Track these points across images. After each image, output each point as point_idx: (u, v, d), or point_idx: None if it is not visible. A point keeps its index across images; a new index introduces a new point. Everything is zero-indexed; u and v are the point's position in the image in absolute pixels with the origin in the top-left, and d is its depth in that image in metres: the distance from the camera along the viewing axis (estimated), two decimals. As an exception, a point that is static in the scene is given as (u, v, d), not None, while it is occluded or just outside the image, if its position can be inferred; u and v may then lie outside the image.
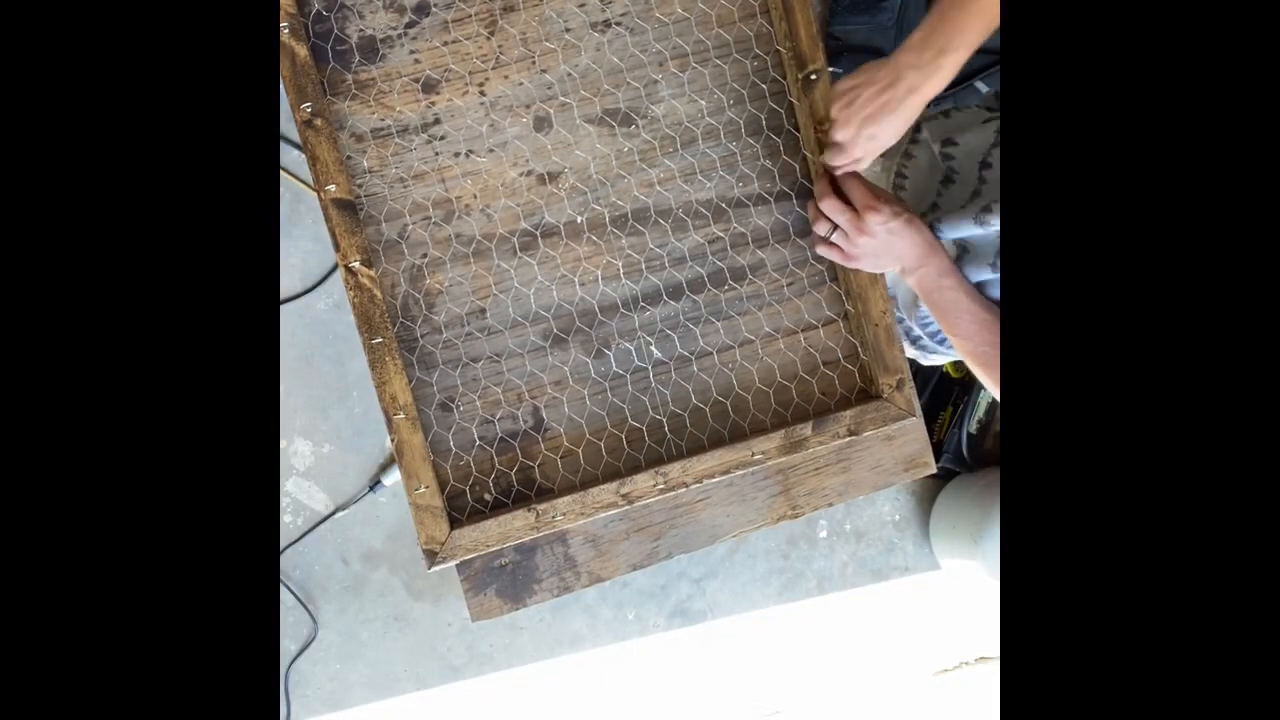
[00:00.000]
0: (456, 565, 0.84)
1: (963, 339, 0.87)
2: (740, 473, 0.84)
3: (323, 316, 1.57)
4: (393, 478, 1.58)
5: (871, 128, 0.79)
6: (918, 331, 1.06)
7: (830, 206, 0.82)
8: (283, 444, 1.57)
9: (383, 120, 0.84)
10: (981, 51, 1.52)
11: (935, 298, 0.86)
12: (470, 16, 0.84)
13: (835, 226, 0.83)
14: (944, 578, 1.73)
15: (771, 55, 0.87)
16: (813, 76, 0.84)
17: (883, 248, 0.82)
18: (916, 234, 0.82)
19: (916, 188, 1.03)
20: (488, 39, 0.85)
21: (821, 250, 0.86)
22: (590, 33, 0.86)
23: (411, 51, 0.84)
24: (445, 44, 0.84)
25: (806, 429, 0.84)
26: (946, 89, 1.48)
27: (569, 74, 0.86)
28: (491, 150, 0.85)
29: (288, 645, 1.59)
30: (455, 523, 0.82)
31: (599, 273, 0.86)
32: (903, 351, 0.86)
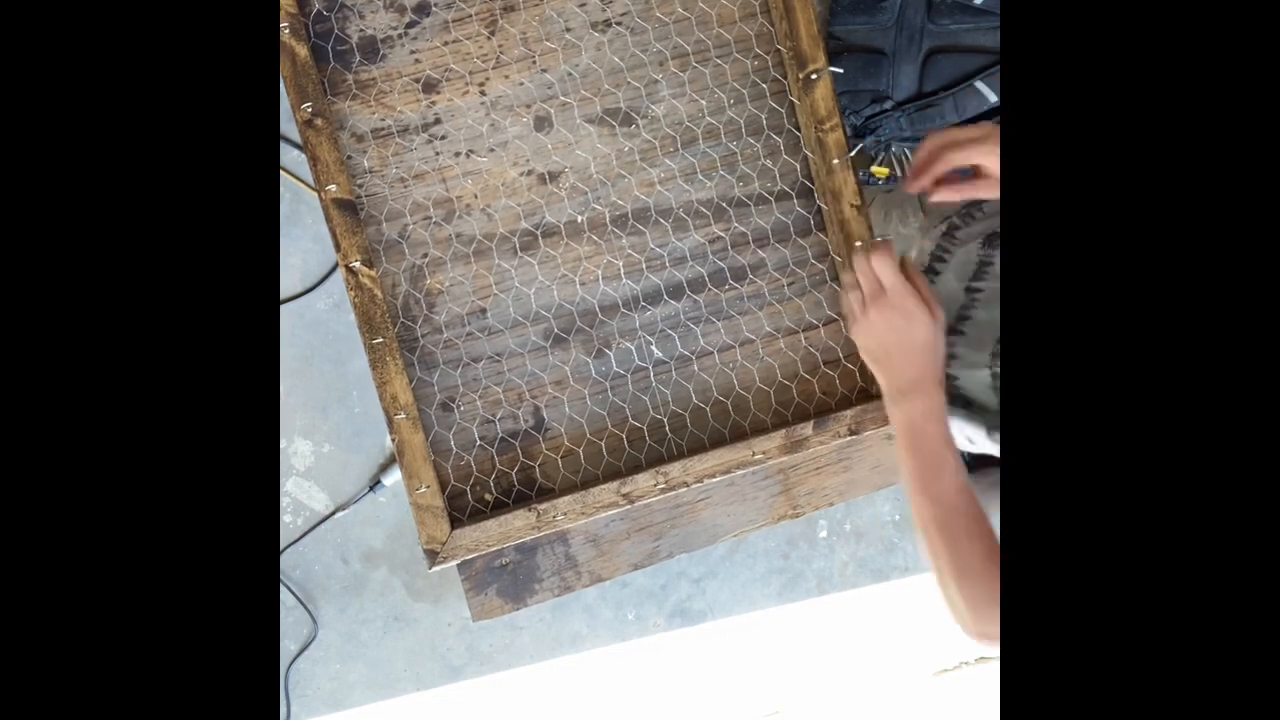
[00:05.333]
0: (457, 565, 0.84)
1: (930, 503, 0.73)
2: (741, 472, 0.84)
3: (323, 316, 1.57)
4: (393, 478, 1.58)
5: None
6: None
7: (863, 267, 0.75)
8: (283, 444, 1.57)
9: (383, 120, 0.84)
10: (981, 51, 1.52)
11: (918, 440, 0.74)
12: (471, 16, 0.84)
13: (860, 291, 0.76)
14: (944, 578, 1.73)
15: (772, 55, 0.87)
16: (813, 76, 0.84)
17: (886, 330, 0.73)
18: (931, 340, 0.73)
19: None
20: (488, 39, 0.85)
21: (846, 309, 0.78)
22: (590, 32, 0.86)
23: (412, 51, 0.84)
24: (446, 44, 0.84)
25: (807, 428, 0.84)
26: (945, 90, 1.48)
27: (569, 74, 0.86)
28: (492, 150, 0.85)
29: (288, 645, 1.59)
30: (456, 522, 0.82)
31: (600, 272, 0.86)
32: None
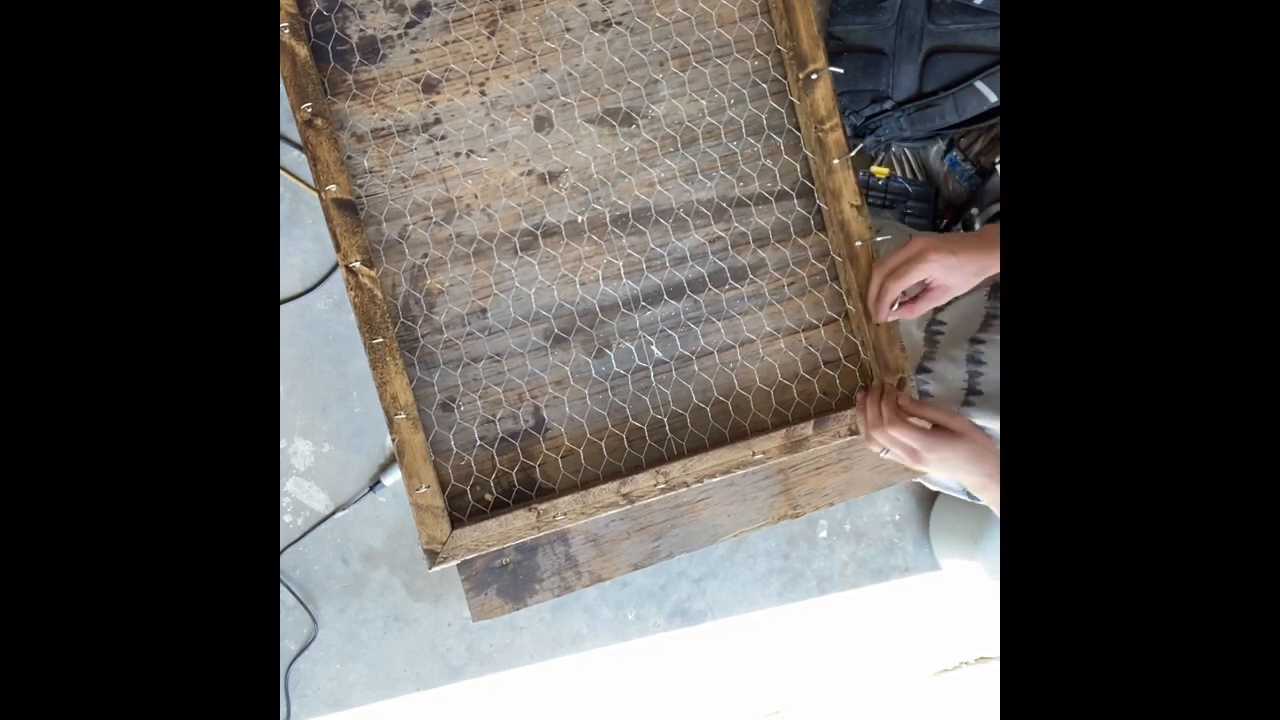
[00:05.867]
0: (458, 565, 0.84)
1: None
2: (741, 472, 0.84)
3: (323, 316, 1.57)
4: (393, 478, 1.58)
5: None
6: None
7: (886, 440, 0.78)
8: (283, 444, 1.57)
9: (383, 120, 0.84)
10: (981, 51, 1.52)
11: None
12: (471, 16, 0.84)
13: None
14: (944, 578, 1.73)
15: (772, 54, 0.87)
16: (813, 76, 0.84)
17: (948, 476, 0.79)
18: (979, 457, 0.77)
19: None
20: (488, 39, 0.85)
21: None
22: (591, 32, 0.86)
23: (412, 51, 0.84)
24: (446, 44, 0.84)
25: (807, 428, 0.84)
26: (945, 90, 1.48)
27: (569, 74, 0.86)
28: (492, 150, 0.85)
29: (288, 645, 1.59)
30: (456, 522, 0.82)
31: (600, 272, 0.86)
32: (904, 351, 0.86)
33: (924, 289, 0.81)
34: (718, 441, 0.86)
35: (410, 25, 0.84)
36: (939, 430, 0.77)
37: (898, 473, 0.90)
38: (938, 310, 1.03)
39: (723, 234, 0.88)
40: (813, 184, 0.87)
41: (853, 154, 0.85)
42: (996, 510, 0.79)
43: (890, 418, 0.78)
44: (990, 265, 0.80)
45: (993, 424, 0.91)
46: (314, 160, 0.79)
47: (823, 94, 0.84)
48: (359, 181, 0.83)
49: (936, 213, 1.57)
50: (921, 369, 0.99)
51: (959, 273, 0.79)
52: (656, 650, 1.68)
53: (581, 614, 1.66)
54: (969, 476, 0.77)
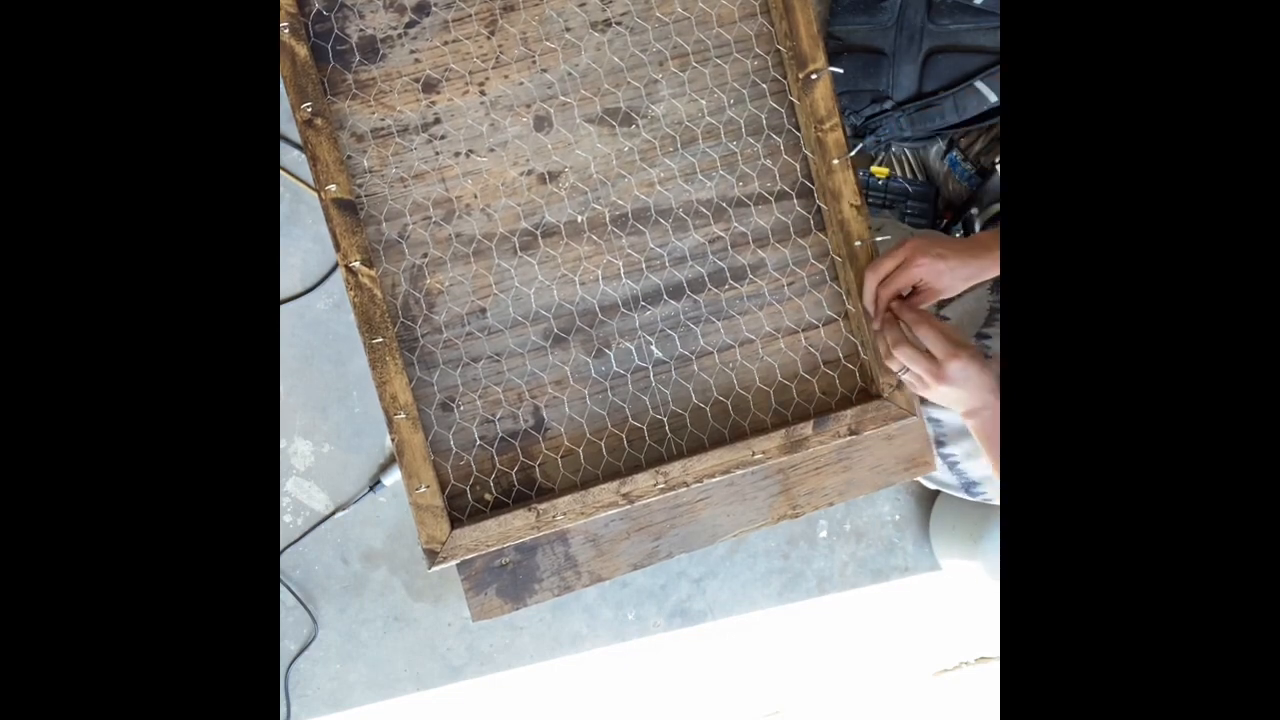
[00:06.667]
0: (457, 565, 0.84)
1: None
2: (741, 472, 0.84)
3: (323, 316, 1.57)
4: (393, 478, 1.58)
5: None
6: (957, 459, 1.04)
7: (907, 356, 0.79)
8: (283, 444, 1.57)
9: (383, 120, 0.84)
10: (981, 51, 1.52)
11: (993, 438, 0.81)
12: (470, 16, 0.84)
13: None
14: (944, 578, 1.73)
15: (772, 54, 0.87)
16: (813, 76, 0.84)
17: (955, 393, 0.79)
18: (987, 377, 0.79)
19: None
20: (488, 38, 0.85)
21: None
22: (590, 32, 0.86)
23: (412, 51, 0.84)
24: (445, 43, 0.84)
25: (807, 428, 0.84)
26: (945, 90, 1.48)
27: (569, 73, 0.86)
28: (492, 150, 0.85)
29: (288, 645, 1.59)
30: (456, 522, 0.82)
31: (599, 272, 0.86)
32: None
33: (913, 290, 0.82)
34: (717, 441, 0.86)
35: (410, 25, 0.84)
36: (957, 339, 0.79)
37: (897, 473, 0.90)
38: (941, 305, 1.03)
39: (722, 234, 0.88)
40: (813, 184, 0.87)
41: (853, 154, 0.85)
42: (997, 433, 0.80)
43: (915, 320, 0.79)
44: (981, 271, 0.81)
45: None
46: (314, 160, 0.79)
47: (823, 94, 0.84)
48: (359, 181, 0.83)
49: (936, 213, 1.57)
50: None
51: (948, 276, 0.80)
52: (656, 650, 1.68)
53: (581, 614, 1.66)
54: (978, 392, 0.78)
